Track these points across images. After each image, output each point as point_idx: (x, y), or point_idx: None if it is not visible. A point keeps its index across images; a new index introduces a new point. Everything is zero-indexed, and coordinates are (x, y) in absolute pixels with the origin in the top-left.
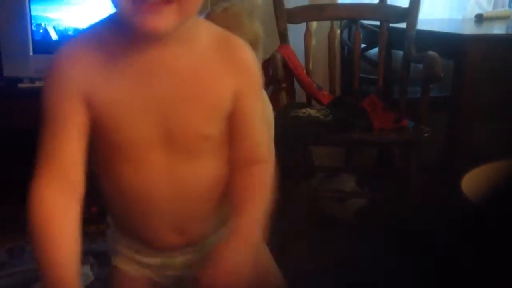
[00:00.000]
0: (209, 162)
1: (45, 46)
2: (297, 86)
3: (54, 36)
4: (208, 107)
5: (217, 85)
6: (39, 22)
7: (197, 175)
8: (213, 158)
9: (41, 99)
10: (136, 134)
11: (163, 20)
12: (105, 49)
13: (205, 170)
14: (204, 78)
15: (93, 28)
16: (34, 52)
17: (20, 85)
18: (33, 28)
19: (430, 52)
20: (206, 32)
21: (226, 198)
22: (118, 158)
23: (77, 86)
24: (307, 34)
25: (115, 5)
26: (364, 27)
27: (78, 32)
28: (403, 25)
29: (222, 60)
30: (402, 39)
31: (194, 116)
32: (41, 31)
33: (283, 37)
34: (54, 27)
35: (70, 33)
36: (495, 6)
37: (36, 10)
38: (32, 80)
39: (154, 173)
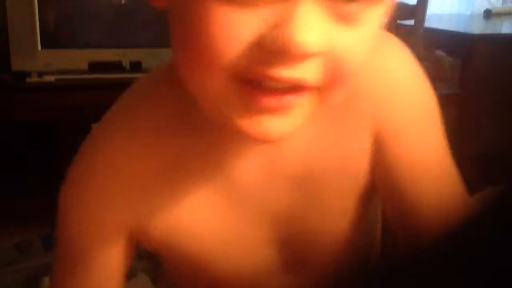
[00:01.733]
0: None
1: (54, 40)
2: None
3: (62, 30)
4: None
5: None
6: (47, 15)
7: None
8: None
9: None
10: (239, 266)
11: (284, 121)
12: (164, 148)
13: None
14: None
15: (135, 109)
16: (42, 46)
17: (28, 79)
18: (42, 22)
19: (437, 51)
20: None
21: None
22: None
23: (119, 211)
24: None
25: (205, 103)
26: None
27: (111, 115)
28: (411, 22)
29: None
30: (409, 36)
31: (325, 221)
32: (49, 25)
33: None
34: (63, 21)
35: (78, 27)
36: (504, 1)
37: (44, 4)
38: (40, 74)
39: None
